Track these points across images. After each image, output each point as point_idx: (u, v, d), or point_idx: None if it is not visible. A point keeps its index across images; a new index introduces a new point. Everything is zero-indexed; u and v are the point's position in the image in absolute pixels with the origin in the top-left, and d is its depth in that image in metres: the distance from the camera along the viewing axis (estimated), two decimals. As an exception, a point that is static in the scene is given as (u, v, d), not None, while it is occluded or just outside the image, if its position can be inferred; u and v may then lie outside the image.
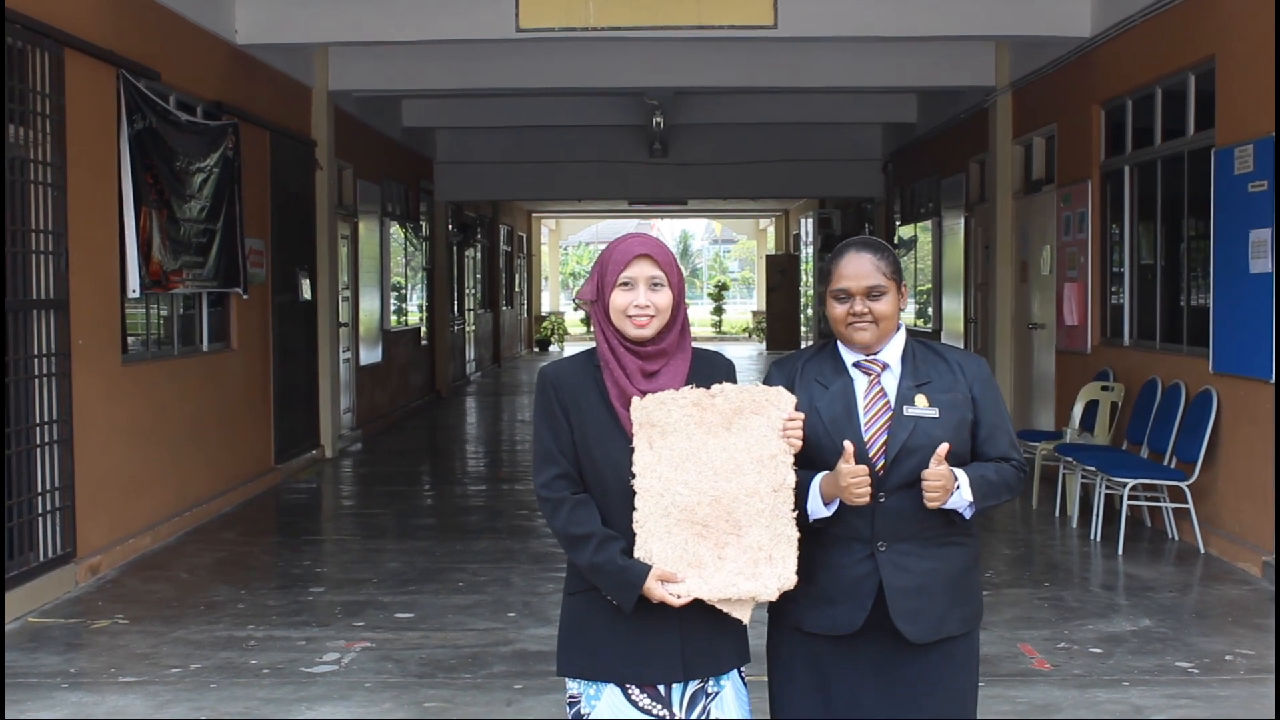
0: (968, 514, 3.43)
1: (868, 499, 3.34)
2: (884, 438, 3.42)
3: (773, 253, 37.00)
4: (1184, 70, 9.66)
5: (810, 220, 28.31)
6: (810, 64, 13.83)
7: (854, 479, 3.31)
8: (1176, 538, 9.30)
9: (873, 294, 3.47)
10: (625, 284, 3.38)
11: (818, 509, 3.41)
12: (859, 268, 3.48)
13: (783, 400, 3.38)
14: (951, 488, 3.33)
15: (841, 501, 3.38)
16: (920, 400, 3.45)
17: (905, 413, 3.43)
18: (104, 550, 8.58)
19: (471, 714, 5.78)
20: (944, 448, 3.33)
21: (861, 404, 3.48)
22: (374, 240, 16.60)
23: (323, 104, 13.84)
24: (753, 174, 21.51)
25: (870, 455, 3.41)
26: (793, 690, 3.55)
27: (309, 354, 13.61)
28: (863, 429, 3.44)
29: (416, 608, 7.52)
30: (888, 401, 3.47)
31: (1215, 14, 9.07)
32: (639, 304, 3.36)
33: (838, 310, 3.50)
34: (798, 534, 3.36)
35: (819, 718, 3.51)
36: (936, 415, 3.44)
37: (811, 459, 3.42)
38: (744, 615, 3.40)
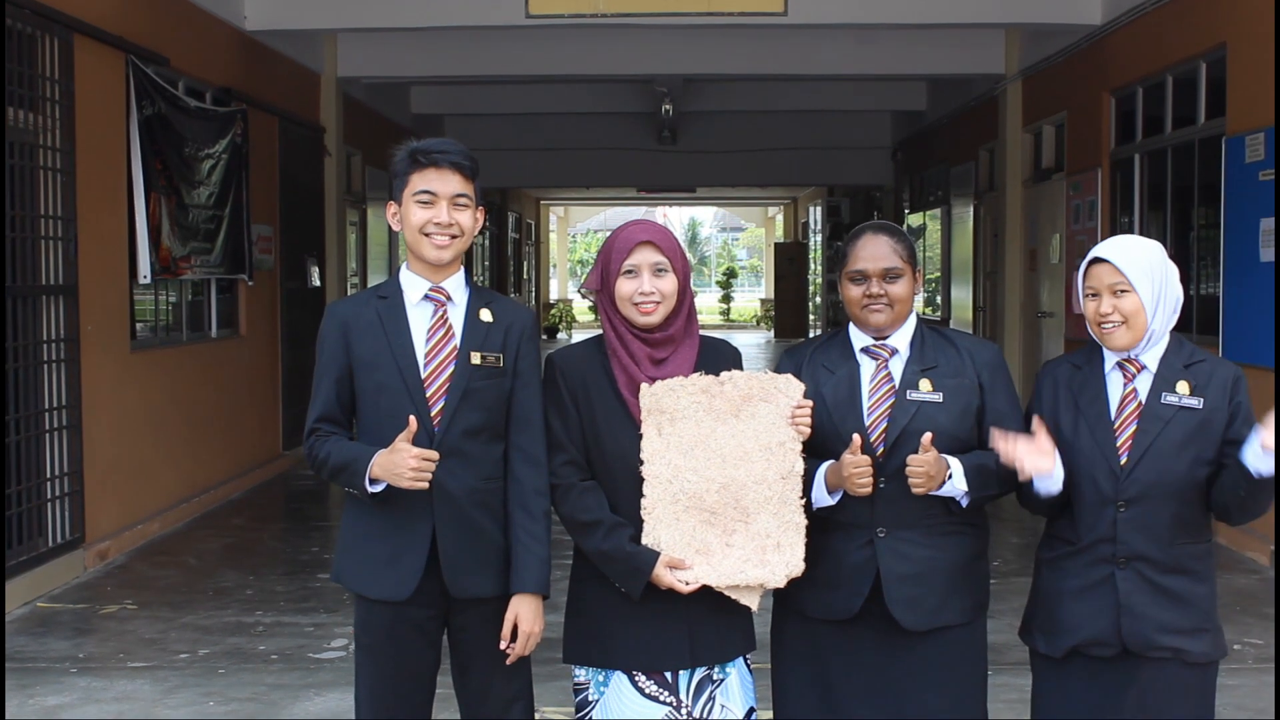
0: (964, 503, 3.42)
1: (869, 490, 3.33)
2: (885, 423, 3.42)
3: (781, 241, 36.94)
4: (1195, 58, 9.62)
5: (819, 208, 28.28)
6: (819, 51, 13.80)
7: (856, 469, 3.30)
8: (1185, 527, 9.27)
9: (889, 276, 3.46)
10: (629, 272, 3.38)
11: (822, 498, 3.42)
12: (876, 250, 3.48)
13: (791, 388, 3.38)
14: (938, 474, 3.32)
15: (844, 490, 3.38)
16: (924, 385, 3.44)
17: (908, 397, 3.43)
18: (113, 536, 8.60)
19: (479, 700, 5.78)
20: (928, 436, 3.32)
21: (866, 389, 3.48)
22: (382, 227, 16.57)
23: (331, 90, 13.83)
24: (761, 161, 21.48)
25: (872, 440, 3.41)
26: (794, 674, 3.56)
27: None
28: (865, 414, 3.44)
29: (424, 594, 7.52)
30: (893, 386, 3.46)
31: (1226, 1, 9.03)
32: (644, 291, 3.36)
33: (853, 292, 3.49)
34: (805, 521, 3.36)
35: (819, 703, 3.52)
36: (940, 400, 3.43)
37: (815, 444, 3.42)
38: (752, 602, 3.41)
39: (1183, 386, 3.42)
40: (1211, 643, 3.44)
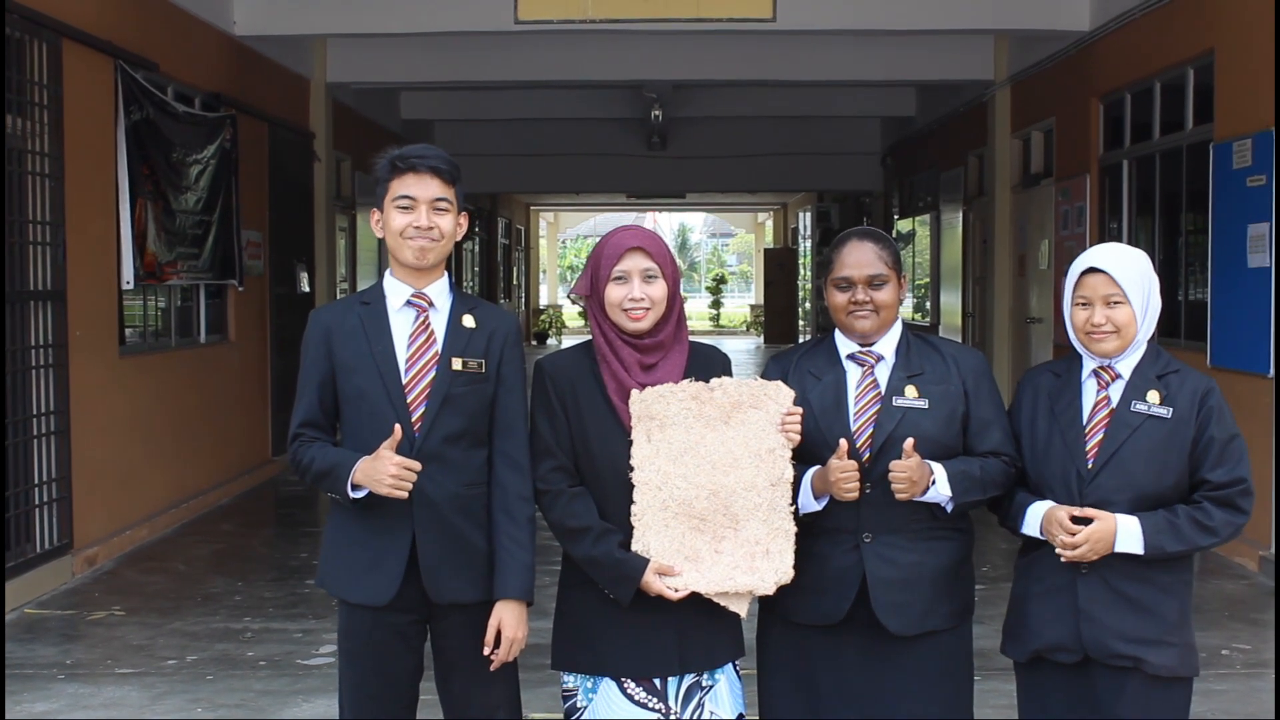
0: (948, 508, 3.43)
1: (856, 495, 3.34)
2: (871, 429, 3.43)
3: (771, 246, 36.98)
4: (1183, 64, 9.64)
5: (808, 214, 28.31)
6: (809, 57, 13.81)
7: (843, 474, 3.31)
8: (1173, 532, 9.27)
9: (874, 283, 3.47)
10: (619, 278, 3.38)
11: (808, 503, 3.42)
12: (861, 256, 3.49)
13: (781, 395, 3.38)
14: (921, 480, 3.33)
15: (831, 495, 3.38)
16: (910, 391, 3.45)
17: (894, 403, 3.44)
18: (101, 542, 8.58)
19: (468, 706, 5.76)
20: (910, 442, 3.33)
21: (852, 395, 3.49)
22: (371, 232, 16.54)
23: (321, 96, 13.82)
24: (751, 167, 21.50)
25: (858, 446, 3.42)
26: (780, 680, 3.57)
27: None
28: (851, 420, 3.45)
29: (413, 600, 7.50)
30: (879, 393, 3.48)
31: (1214, 7, 9.05)
32: (633, 297, 3.36)
33: (839, 298, 3.50)
34: (795, 528, 3.37)
35: (805, 708, 3.53)
36: (925, 406, 3.44)
37: (802, 450, 3.43)
38: (741, 609, 3.41)
39: (1153, 395, 3.45)
40: (1177, 658, 3.43)
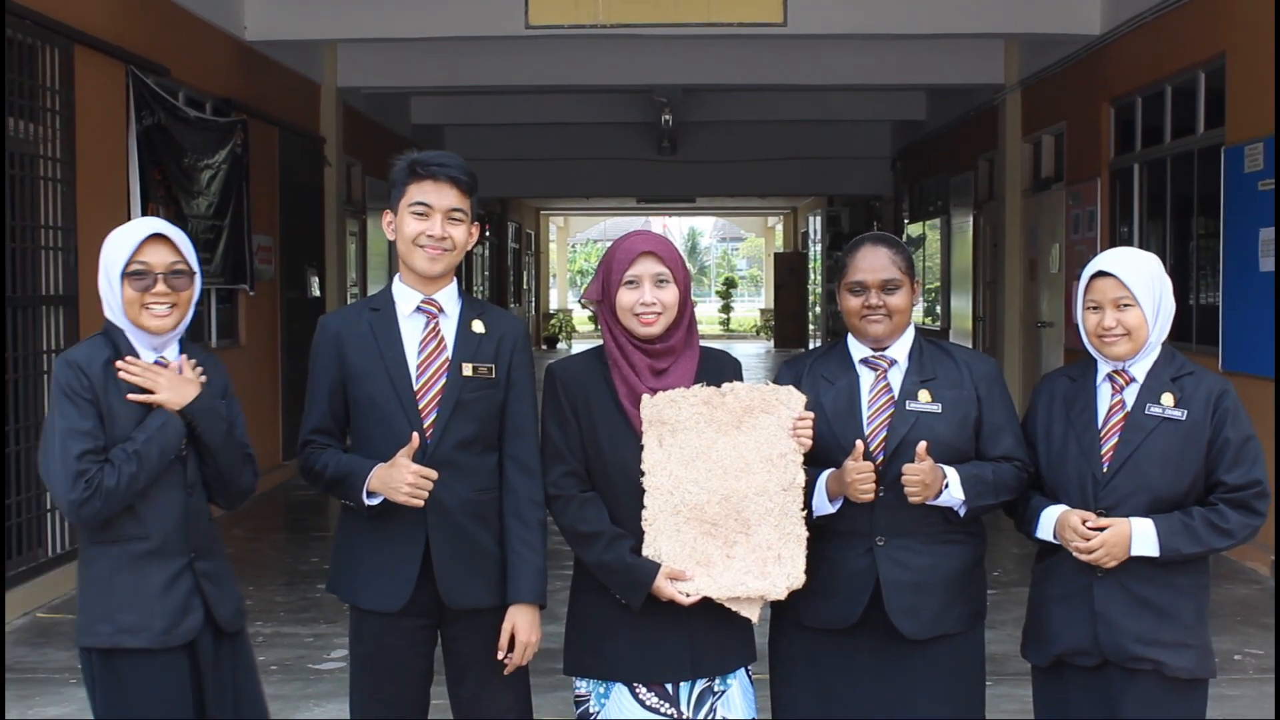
0: (961, 512, 3.42)
1: (872, 496, 3.34)
2: (885, 432, 3.43)
3: (781, 250, 36.95)
4: (1194, 67, 9.63)
5: (818, 218, 28.29)
6: (819, 61, 13.80)
7: (859, 475, 3.31)
8: (1185, 537, 9.23)
9: (888, 287, 3.48)
10: (630, 282, 3.38)
11: (823, 506, 3.42)
12: (875, 261, 3.49)
13: (793, 399, 3.38)
14: (934, 483, 3.33)
15: (845, 498, 3.38)
16: (924, 395, 3.46)
17: (907, 407, 3.44)
18: (112, 546, 8.57)
19: (478, 711, 5.75)
20: (923, 445, 3.33)
21: (865, 399, 3.49)
22: (382, 237, 16.45)
23: (331, 101, 13.84)
24: (761, 171, 21.50)
25: (871, 449, 3.42)
26: (792, 684, 3.57)
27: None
28: (865, 423, 3.46)
29: (424, 604, 7.49)
30: (892, 397, 3.48)
31: (1226, 11, 9.04)
32: (645, 301, 3.36)
33: (852, 303, 3.50)
34: (807, 533, 3.36)
35: (818, 712, 3.52)
36: (939, 410, 3.44)
37: (815, 454, 3.43)
38: (752, 614, 3.41)
39: (1167, 398, 3.46)
40: (1195, 660, 3.44)
